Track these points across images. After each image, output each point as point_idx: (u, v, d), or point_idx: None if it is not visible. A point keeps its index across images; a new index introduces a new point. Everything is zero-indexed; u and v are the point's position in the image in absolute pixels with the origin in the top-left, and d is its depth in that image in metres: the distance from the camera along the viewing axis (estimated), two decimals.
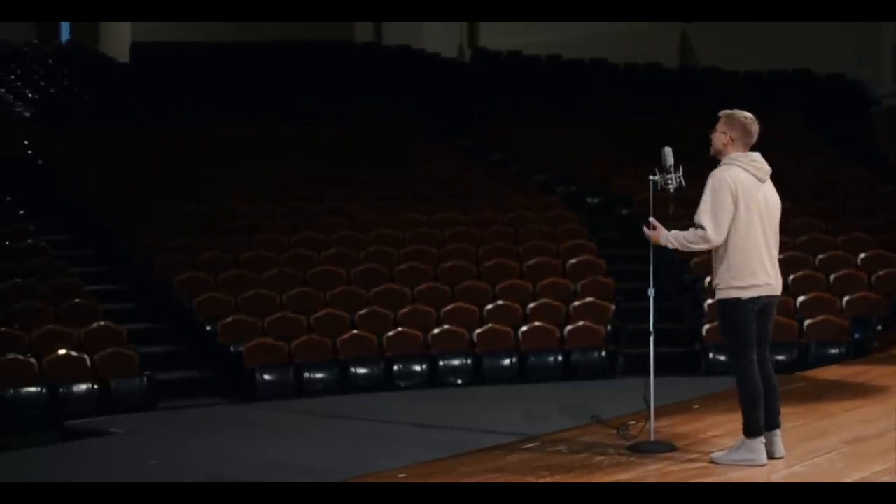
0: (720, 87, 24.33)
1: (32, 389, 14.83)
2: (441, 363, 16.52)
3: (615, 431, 10.16)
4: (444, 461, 9.56)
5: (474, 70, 27.95)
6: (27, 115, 23.38)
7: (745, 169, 8.95)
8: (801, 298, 17.42)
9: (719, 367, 15.70)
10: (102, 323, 15.94)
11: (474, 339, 16.76)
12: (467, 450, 10.11)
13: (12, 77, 25.67)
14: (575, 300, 17.56)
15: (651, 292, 9.80)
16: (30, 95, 24.67)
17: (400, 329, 16.73)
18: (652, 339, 9.77)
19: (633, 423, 10.08)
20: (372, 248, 18.49)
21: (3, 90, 24.87)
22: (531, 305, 17.35)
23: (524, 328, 16.89)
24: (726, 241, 8.90)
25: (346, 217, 19.56)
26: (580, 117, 24.15)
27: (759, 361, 9.08)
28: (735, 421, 10.35)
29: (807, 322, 17.00)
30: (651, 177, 9.58)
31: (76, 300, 16.41)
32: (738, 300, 8.92)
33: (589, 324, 16.99)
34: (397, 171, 21.36)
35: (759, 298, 8.93)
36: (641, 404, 9.70)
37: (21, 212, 19.34)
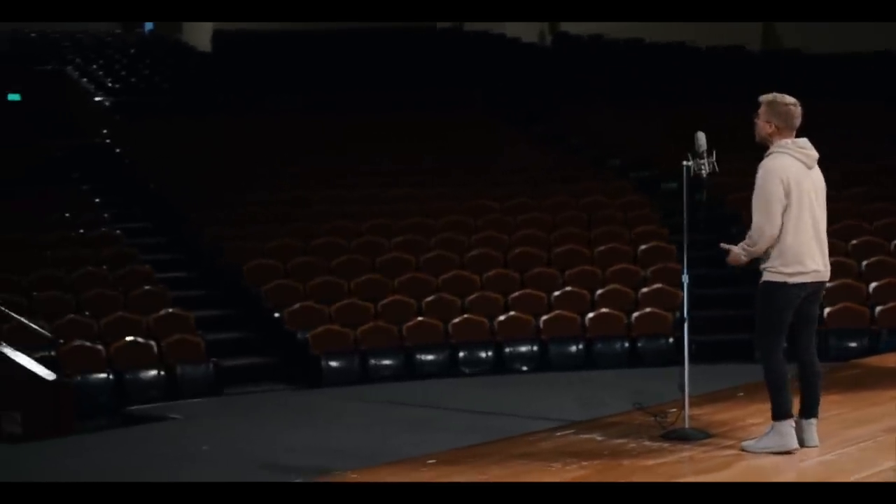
0: (803, 71, 24.00)
1: (100, 376, 15.02)
2: (507, 350, 16.49)
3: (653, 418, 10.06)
4: (474, 447, 9.54)
5: (553, 54, 27.83)
6: (107, 104, 23.68)
7: (794, 157, 8.81)
8: (873, 285, 17.14)
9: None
10: (171, 310, 16.13)
11: (541, 325, 16.71)
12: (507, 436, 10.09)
13: (94, 67, 25.98)
14: (644, 286, 17.44)
15: (685, 278, 9.70)
16: (109, 85, 24.97)
17: (466, 316, 16.73)
18: (686, 325, 9.73)
19: (673, 410, 9.98)
20: (442, 235, 18.51)
21: (85, 80, 25.19)
22: (599, 292, 17.27)
23: (591, 315, 16.80)
24: (780, 230, 8.77)
25: (417, 203, 19.58)
26: (659, 101, 23.94)
27: (804, 347, 9.00)
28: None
29: (878, 309, 16.71)
30: (685, 162, 9.47)
31: (146, 287, 16.60)
32: (783, 284, 8.77)
33: (657, 310, 16.86)
34: (471, 157, 21.35)
35: (805, 285, 8.80)
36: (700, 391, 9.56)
37: (97, 200, 19.56)
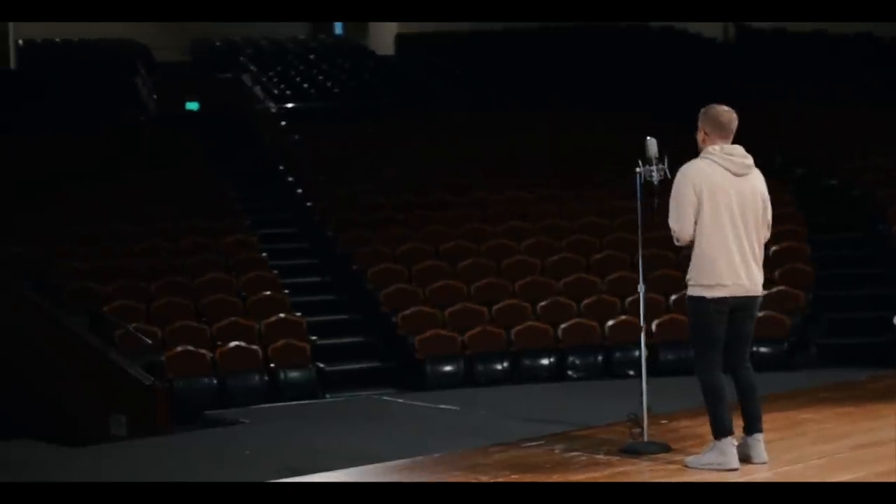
0: None
1: (204, 380, 15.51)
2: (617, 354, 16.21)
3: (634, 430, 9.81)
4: (438, 456, 9.53)
5: (736, 50, 27.13)
6: (273, 110, 24.30)
7: (715, 162, 8.56)
8: None
9: None
10: (282, 315, 16.49)
11: (653, 329, 16.38)
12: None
13: (270, 73, 26.63)
14: (770, 287, 16.90)
15: (641, 288, 9.45)
16: (276, 92, 25.58)
17: (576, 320, 16.58)
18: (643, 336, 9.41)
19: (664, 421, 9.75)
20: (573, 238, 18.37)
21: (257, 87, 25.84)
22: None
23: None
24: (695, 236, 8.54)
25: (557, 205, 19.48)
26: (839, 96, 23.05)
27: (738, 364, 8.70)
28: (770, 422, 9.96)
29: None
30: (637, 169, 9.26)
31: (266, 293, 17.01)
32: (702, 299, 8.55)
33: (773, 314, 16.32)
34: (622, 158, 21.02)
35: (726, 299, 8.50)
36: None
37: (238, 205, 20.04)
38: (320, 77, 26.44)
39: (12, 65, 25.01)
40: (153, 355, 15.46)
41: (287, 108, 24.35)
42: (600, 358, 16.29)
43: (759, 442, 8.65)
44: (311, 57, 27.84)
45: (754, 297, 8.62)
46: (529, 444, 9.79)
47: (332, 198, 19.87)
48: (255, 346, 15.81)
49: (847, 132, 21.38)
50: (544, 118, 22.88)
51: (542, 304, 16.91)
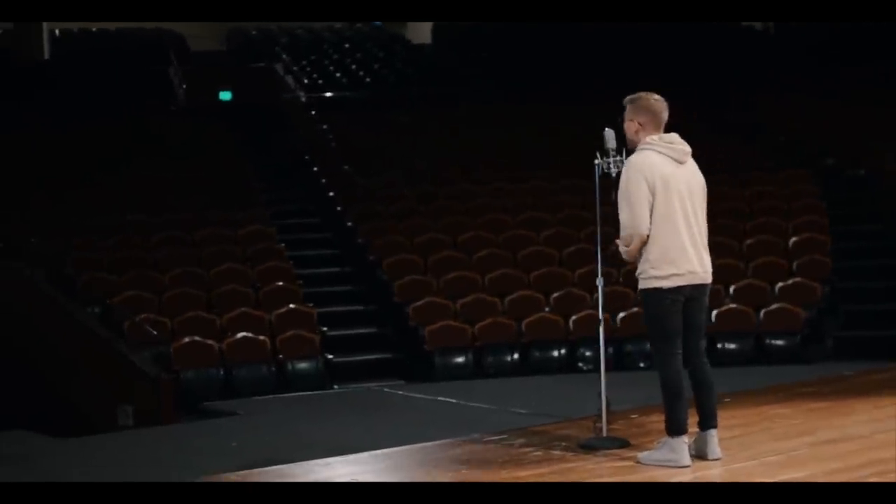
0: None
1: (211, 371, 15.53)
2: (629, 346, 16.02)
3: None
4: (391, 451, 9.45)
5: (776, 40, 26.73)
6: (303, 99, 24.28)
7: (661, 152, 8.39)
8: None
9: None
10: (293, 306, 16.47)
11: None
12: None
13: (304, 63, 26.60)
14: (787, 279, 16.69)
15: (599, 282, 9.30)
16: (307, 81, 25.56)
17: (588, 311, 16.38)
18: (601, 328, 9.25)
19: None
20: (592, 228, 18.13)
21: (290, 77, 25.81)
22: (734, 287, 16.60)
23: (715, 311, 16.16)
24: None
25: (579, 195, 19.26)
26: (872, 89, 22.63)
27: (692, 356, 8.49)
28: (739, 417, 9.84)
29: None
30: (595, 160, 9.11)
31: (279, 284, 17.01)
32: (658, 290, 8.37)
33: (787, 306, 16.08)
34: None
35: (681, 288, 8.33)
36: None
37: (262, 196, 20.05)
38: (353, 66, 26.35)
39: (46, 55, 25.17)
40: (161, 346, 15.50)
41: (318, 97, 24.32)
42: (611, 350, 16.03)
43: (714, 437, 8.45)
44: (346, 46, 27.75)
45: (705, 285, 8.44)
46: (491, 438, 9.66)
47: (354, 188, 19.85)
48: (262, 337, 15.78)
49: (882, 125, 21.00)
50: (575, 110, 22.62)
51: (556, 295, 16.75)
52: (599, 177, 9.09)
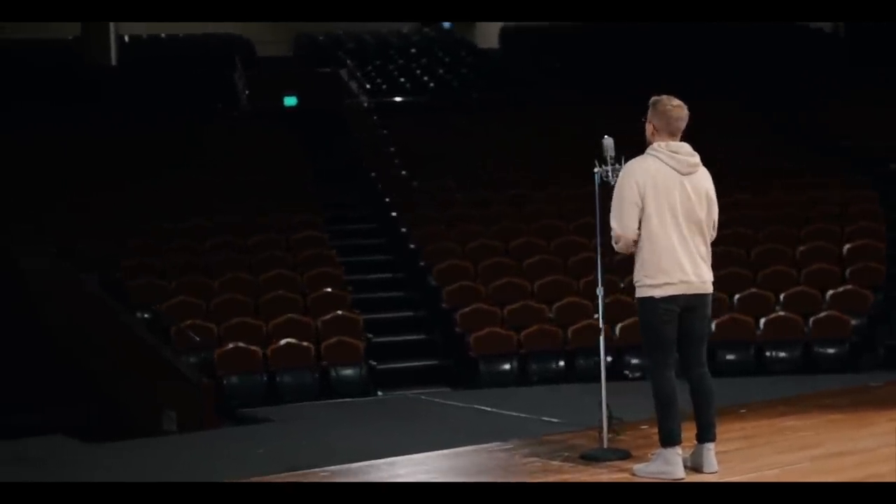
0: None
1: (255, 377, 15.59)
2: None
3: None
4: (399, 459, 9.42)
5: (842, 41, 26.32)
6: (365, 104, 24.32)
7: (661, 160, 8.27)
8: None
9: None
10: (340, 313, 16.49)
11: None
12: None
13: (369, 68, 26.64)
14: (838, 286, 16.43)
15: (600, 291, 9.21)
16: (368, 86, 25.60)
17: (635, 319, 16.19)
18: (602, 337, 9.16)
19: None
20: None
21: (353, 82, 25.86)
22: (784, 294, 16.37)
23: (763, 319, 15.95)
24: (641, 236, 8.28)
25: None
26: None
27: (691, 366, 8.38)
28: (749, 429, 9.70)
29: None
30: (595, 169, 9.02)
31: (327, 290, 17.05)
32: (651, 298, 8.26)
33: (836, 314, 15.82)
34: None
35: (675, 297, 8.21)
36: None
37: (318, 202, 20.08)
38: (418, 71, 26.37)
39: (113, 61, 25.46)
40: (206, 352, 15.60)
41: (380, 101, 24.36)
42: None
43: (710, 451, 8.29)
44: (412, 51, 27.77)
45: (703, 296, 8.28)
46: (498, 447, 9.61)
47: (410, 192, 19.85)
48: (306, 343, 15.81)
49: None
50: (637, 113, 22.47)
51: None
52: (599, 185, 8.98)
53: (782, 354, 15.64)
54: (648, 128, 8.37)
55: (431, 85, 25.54)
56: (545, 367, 15.98)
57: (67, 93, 23.10)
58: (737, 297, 16.36)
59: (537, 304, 16.68)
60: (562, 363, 16.01)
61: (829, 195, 18.71)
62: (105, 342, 16.26)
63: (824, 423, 9.79)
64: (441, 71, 26.34)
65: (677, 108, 8.30)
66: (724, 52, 24.85)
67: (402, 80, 25.96)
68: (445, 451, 9.60)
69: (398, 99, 24.48)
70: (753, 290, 16.47)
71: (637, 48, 26.05)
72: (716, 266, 16.40)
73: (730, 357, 15.65)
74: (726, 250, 17.30)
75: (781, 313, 15.95)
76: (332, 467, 9.20)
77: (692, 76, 24.09)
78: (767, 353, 15.56)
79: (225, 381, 15.26)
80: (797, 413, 10.24)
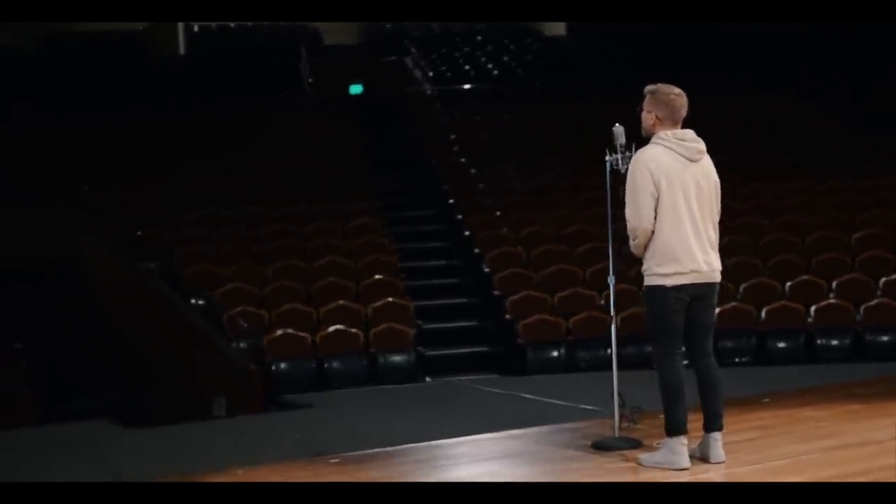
0: None
1: (304, 363, 15.74)
2: (728, 344, 15.70)
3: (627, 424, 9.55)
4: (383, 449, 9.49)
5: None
6: (429, 92, 24.37)
7: (669, 149, 8.27)
8: None
9: None
10: (390, 300, 16.60)
11: (763, 317, 15.89)
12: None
13: (434, 56, 26.65)
14: (892, 274, 16.25)
15: (611, 280, 9.23)
16: (431, 74, 25.60)
17: None
18: (614, 329, 9.18)
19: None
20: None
21: (417, 70, 25.90)
22: (836, 282, 16.22)
23: (813, 307, 15.81)
24: (654, 225, 8.29)
25: None
26: None
27: (699, 356, 8.39)
28: (768, 419, 9.68)
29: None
30: (606, 157, 9.03)
31: (377, 277, 17.16)
32: (661, 287, 8.27)
33: (888, 301, 15.66)
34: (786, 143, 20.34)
35: (685, 287, 8.22)
36: None
37: (376, 189, 20.18)
38: (483, 59, 26.37)
39: (181, 50, 25.77)
40: (257, 339, 15.78)
41: (443, 90, 24.41)
42: None
43: (718, 441, 8.30)
44: (478, 39, 27.76)
45: (712, 285, 8.29)
46: (516, 434, 9.67)
47: (467, 180, 19.90)
48: (354, 330, 15.93)
49: None
50: (714, 102, 22.30)
51: None
52: (609, 173, 8.98)
53: (833, 342, 15.44)
54: (649, 117, 8.36)
55: (496, 73, 25.52)
56: (594, 355, 15.89)
57: (135, 83, 23.38)
58: (788, 284, 16.22)
59: (588, 292, 16.64)
60: (609, 351, 15.86)
61: (886, 182, 18.48)
62: (160, 329, 16.49)
63: (845, 414, 9.72)
64: (506, 58, 26.29)
65: (679, 97, 8.31)
66: (782, 42, 24.56)
67: (467, 67, 25.96)
68: (457, 440, 9.66)
69: (461, 87, 24.48)
70: (806, 277, 16.31)
71: (702, 39, 25.82)
72: (769, 254, 16.47)
73: (780, 345, 15.50)
74: (779, 237, 17.26)
75: (833, 301, 15.77)
76: (350, 453, 9.32)
77: (749, 67, 23.95)
78: (818, 341, 15.36)
79: (274, 367, 15.40)
80: (820, 403, 10.19)
